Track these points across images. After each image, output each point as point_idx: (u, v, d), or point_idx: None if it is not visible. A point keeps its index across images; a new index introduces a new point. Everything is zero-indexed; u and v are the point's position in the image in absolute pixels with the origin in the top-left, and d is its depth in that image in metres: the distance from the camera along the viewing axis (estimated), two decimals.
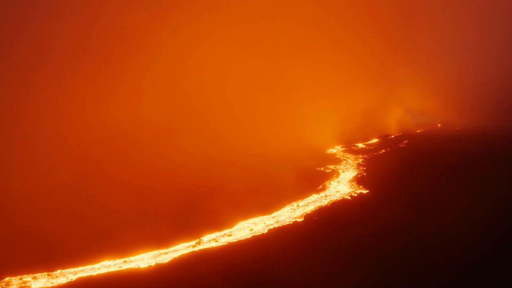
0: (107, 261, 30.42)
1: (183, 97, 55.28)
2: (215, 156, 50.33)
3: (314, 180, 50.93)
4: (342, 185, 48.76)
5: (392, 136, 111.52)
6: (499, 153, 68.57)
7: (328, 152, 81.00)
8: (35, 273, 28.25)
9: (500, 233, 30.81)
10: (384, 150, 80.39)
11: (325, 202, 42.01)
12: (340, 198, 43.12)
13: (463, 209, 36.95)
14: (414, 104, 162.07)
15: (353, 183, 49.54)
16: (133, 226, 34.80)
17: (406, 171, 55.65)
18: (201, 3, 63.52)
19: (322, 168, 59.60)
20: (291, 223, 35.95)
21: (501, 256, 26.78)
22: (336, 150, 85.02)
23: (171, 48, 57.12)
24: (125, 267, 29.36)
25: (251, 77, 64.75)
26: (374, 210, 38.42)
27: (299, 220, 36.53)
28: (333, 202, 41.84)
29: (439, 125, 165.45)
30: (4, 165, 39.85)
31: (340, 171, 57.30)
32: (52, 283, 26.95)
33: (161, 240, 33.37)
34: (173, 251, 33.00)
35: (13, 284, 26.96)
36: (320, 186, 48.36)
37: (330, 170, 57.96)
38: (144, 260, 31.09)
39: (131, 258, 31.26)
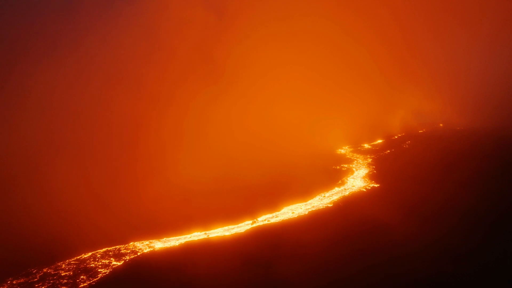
0: (196, 232, 46.07)
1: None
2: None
3: (334, 177, 67.04)
4: (358, 180, 64.93)
5: (396, 137, 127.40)
6: (499, 152, 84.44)
7: (338, 153, 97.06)
8: (149, 239, 43.77)
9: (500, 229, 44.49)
10: (389, 151, 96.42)
11: (346, 193, 58.16)
12: (358, 190, 59.30)
13: (458, 200, 53.36)
14: (416, 104, 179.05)
15: (366, 179, 65.74)
16: (209, 209, 50.80)
17: (409, 169, 71.89)
18: None
19: (338, 167, 75.79)
20: (324, 207, 52.04)
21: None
22: (344, 150, 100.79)
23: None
24: (211, 235, 45.07)
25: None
26: (384, 199, 54.59)
27: (329, 205, 52.64)
28: (352, 193, 58.05)
29: (441, 124, 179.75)
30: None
31: (354, 169, 73.53)
32: (168, 245, 42.50)
33: (227, 219, 49.08)
34: (237, 227, 48.82)
35: (138, 246, 42.34)
36: (340, 181, 64.46)
37: (345, 169, 74.18)
38: (220, 232, 46.80)
39: (210, 231, 46.92)
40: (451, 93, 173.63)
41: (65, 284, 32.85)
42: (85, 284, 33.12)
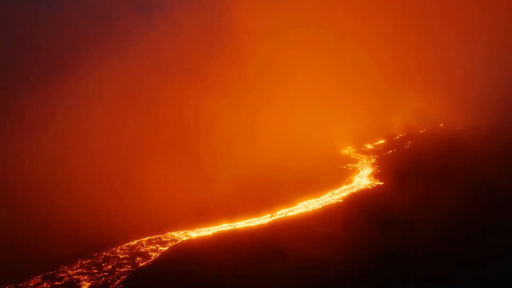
0: (224, 224, 54.25)
1: None
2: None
3: (341, 176, 75.49)
4: (363, 179, 73.39)
5: (397, 137, 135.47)
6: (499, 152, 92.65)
7: (343, 153, 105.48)
8: (184, 230, 51.88)
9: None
10: (391, 151, 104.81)
11: (353, 190, 66.65)
12: (364, 188, 67.80)
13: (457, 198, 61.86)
14: (417, 105, 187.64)
15: (371, 177, 74.19)
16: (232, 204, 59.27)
17: (410, 169, 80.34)
18: None
19: (344, 166, 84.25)
20: (335, 202, 60.50)
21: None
22: (348, 151, 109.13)
23: None
24: (238, 226, 53.29)
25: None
26: (388, 195, 63.01)
27: (340, 201, 61.12)
28: (360, 190, 66.54)
29: (441, 125, 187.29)
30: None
31: (359, 168, 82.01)
32: (200, 234, 50.68)
33: (250, 213, 57.33)
34: (257, 219, 57.06)
35: (174, 236, 50.42)
36: (347, 180, 72.94)
37: (351, 168, 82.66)
38: (244, 224, 55.03)
39: (235, 223, 55.07)
40: (451, 94, 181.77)
41: (127, 264, 40.99)
42: (143, 264, 41.28)
